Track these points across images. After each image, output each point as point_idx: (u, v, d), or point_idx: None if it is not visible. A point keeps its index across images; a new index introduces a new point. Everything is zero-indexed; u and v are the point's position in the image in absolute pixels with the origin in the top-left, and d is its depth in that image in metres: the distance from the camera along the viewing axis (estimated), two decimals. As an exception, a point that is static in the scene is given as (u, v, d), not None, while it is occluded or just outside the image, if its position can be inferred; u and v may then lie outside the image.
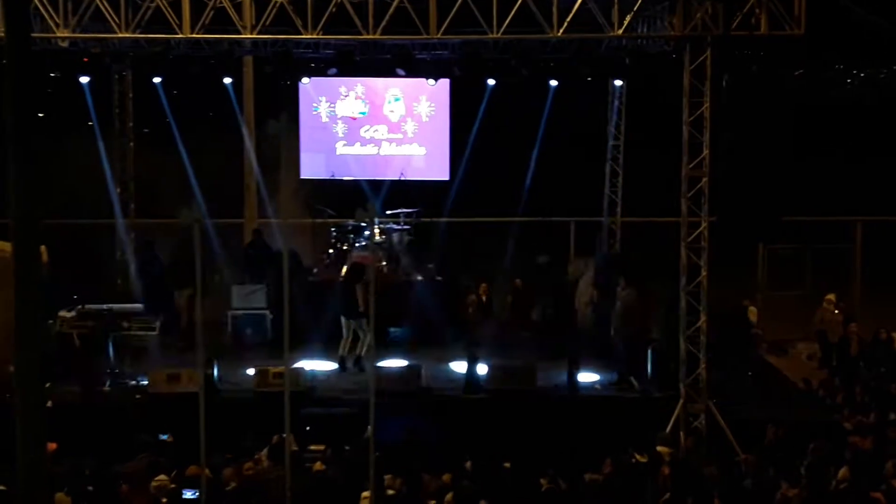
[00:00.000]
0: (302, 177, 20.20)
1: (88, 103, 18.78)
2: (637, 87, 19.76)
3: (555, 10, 14.13)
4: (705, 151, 14.24)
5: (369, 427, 10.16)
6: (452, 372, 16.10)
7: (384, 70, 17.58)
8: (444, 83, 19.35)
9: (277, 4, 14.24)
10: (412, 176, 20.02)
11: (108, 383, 15.34)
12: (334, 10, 14.23)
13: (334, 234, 18.78)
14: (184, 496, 10.95)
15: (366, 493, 10.49)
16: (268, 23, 14.46)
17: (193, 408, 9.04)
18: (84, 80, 17.22)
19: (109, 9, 14.30)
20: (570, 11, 14.12)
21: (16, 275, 5.65)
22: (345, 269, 17.63)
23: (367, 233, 18.17)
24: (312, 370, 15.68)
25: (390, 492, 11.18)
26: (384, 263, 18.25)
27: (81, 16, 14.43)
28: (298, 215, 19.27)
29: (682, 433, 14.21)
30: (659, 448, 12.80)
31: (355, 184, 20.39)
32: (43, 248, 9.76)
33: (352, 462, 11.97)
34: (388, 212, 19.04)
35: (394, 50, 16.42)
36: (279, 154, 20.37)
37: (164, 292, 18.19)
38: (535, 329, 18.01)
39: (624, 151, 20.02)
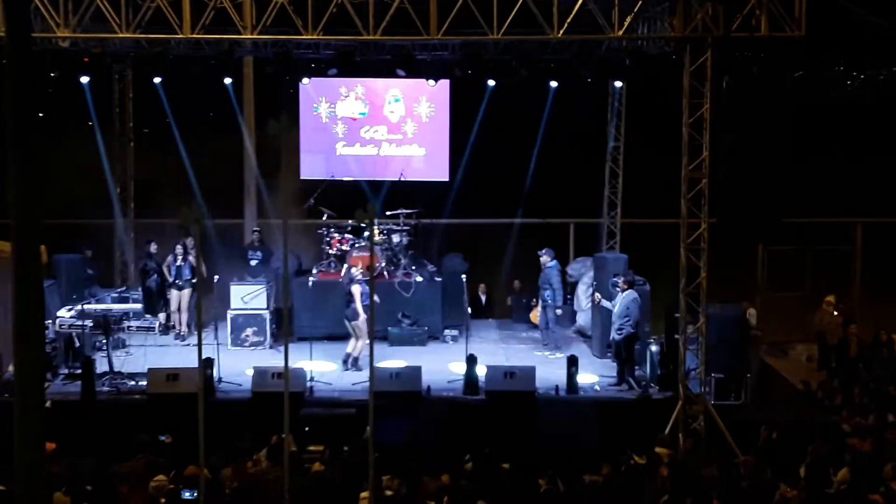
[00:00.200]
0: (302, 177, 20.20)
1: (89, 103, 18.79)
2: (637, 89, 19.77)
3: (555, 11, 14.13)
4: (705, 153, 14.25)
5: (368, 428, 10.16)
6: (452, 373, 16.10)
7: (384, 71, 17.58)
8: (444, 84, 19.36)
9: (278, 5, 14.24)
10: (412, 177, 20.02)
11: (106, 383, 15.35)
12: (335, 10, 14.23)
13: (334, 234, 18.78)
14: (182, 496, 10.94)
15: (364, 494, 10.49)
16: (268, 23, 14.46)
17: (192, 408, 9.03)
18: (84, 79, 17.23)
19: (110, 9, 14.30)
20: (571, 12, 14.12)
21: (15, 275, 5.66)
22: (344, 269, 17.66)
23: (366, 233, 18.17)
24: (312, 371, 15.68)
25: (388, 493, 11.17)
26: (384, 264, 18.26)
27: (82, 16, 14.43)
28: (298, 216, 19.27)
29: (681, 434, 14.21)
30: (658, 449, 12.80)
31: (355, 184, 20.40)
32: (43, 247, 9.75)
33: (351, 463, 11.97)
34: (388, 212, 19.04)
35: (394, 50, 16.43)
36: (279, 154, 20.37)
37: (164, 293, 18.21)
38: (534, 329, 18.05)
39: (624, 152, 20.03)
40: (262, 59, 17.32)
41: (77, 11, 14.43)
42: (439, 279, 18.57)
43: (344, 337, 16.59)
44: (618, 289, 15.98)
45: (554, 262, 17.47)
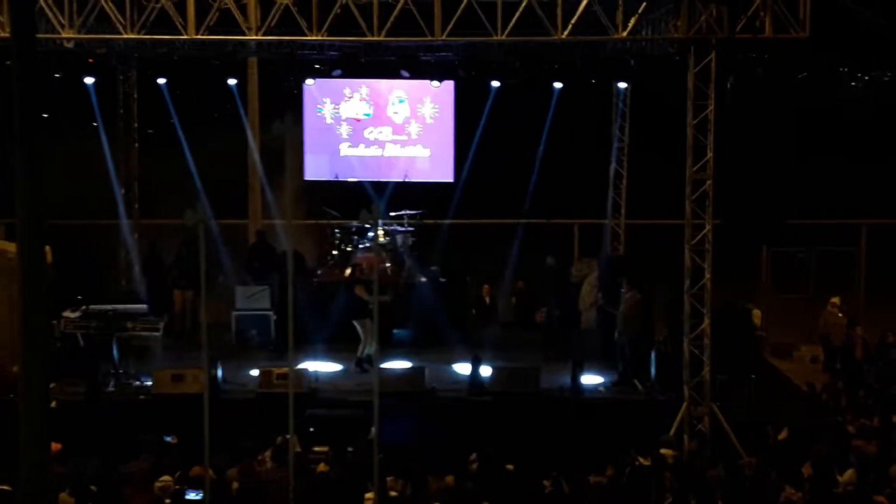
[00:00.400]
0: (306, 178, 20.20)
1: (93, 104, 18.77)
2: (641, 90, 19.74)
3: (559, 12, 14.11)
4: (709, 154, 14.22)
5: (373, 429, 10.16)
6: (456, 374, 16.10)
7: (388, 72, 17.59)
8: (449, 85, 19.34)
9: (282, 6, 14.24)
10: (416, 177, 20.00)
11: (112, 384, 15.35)
12: (339, 11, 14.22)
13: (338, 235, 18.78)
14: (187, 497, 10.95)
15: (369, 495, 10.49)
16: (272, 24, 14.45)
17: (197, 408, 9.04)
18: (89, 80, 17.26)
19: (114, 10, 14.31)
20: (575, 14, 14.11)
21: (21, 275, 5.67)
22: (348, 270, 17.65)
23: (370, 234, 18.17)
24: (316, 371, 15.68)
25: (393, 493, 11.17)
26: (388, 265, 18.26)
27: (86, 17, 14.44)
28: (302, 216, 19.27)
29: (685, 436, 14.19)
30: (662, 450, 12.80)
31: (359, 185, 20.39)
32: (47, 248, 9.76)
33: (355, 463, 11.97)
34: (392, 213, 19.03)
35: (398, 52, 16.43)
36: (283, 155, 20.37)
37: (169, 293, 18.22)
38: (538, 330, 18.03)
39: (628, 154, 20.00)
40: (266, 60, 17.34)
41: (82, 12, 14.44)
42: (443, 280, 18.55)
43: (348, 338, 16.57)
44: (622, 290, 15.96)
45: None
